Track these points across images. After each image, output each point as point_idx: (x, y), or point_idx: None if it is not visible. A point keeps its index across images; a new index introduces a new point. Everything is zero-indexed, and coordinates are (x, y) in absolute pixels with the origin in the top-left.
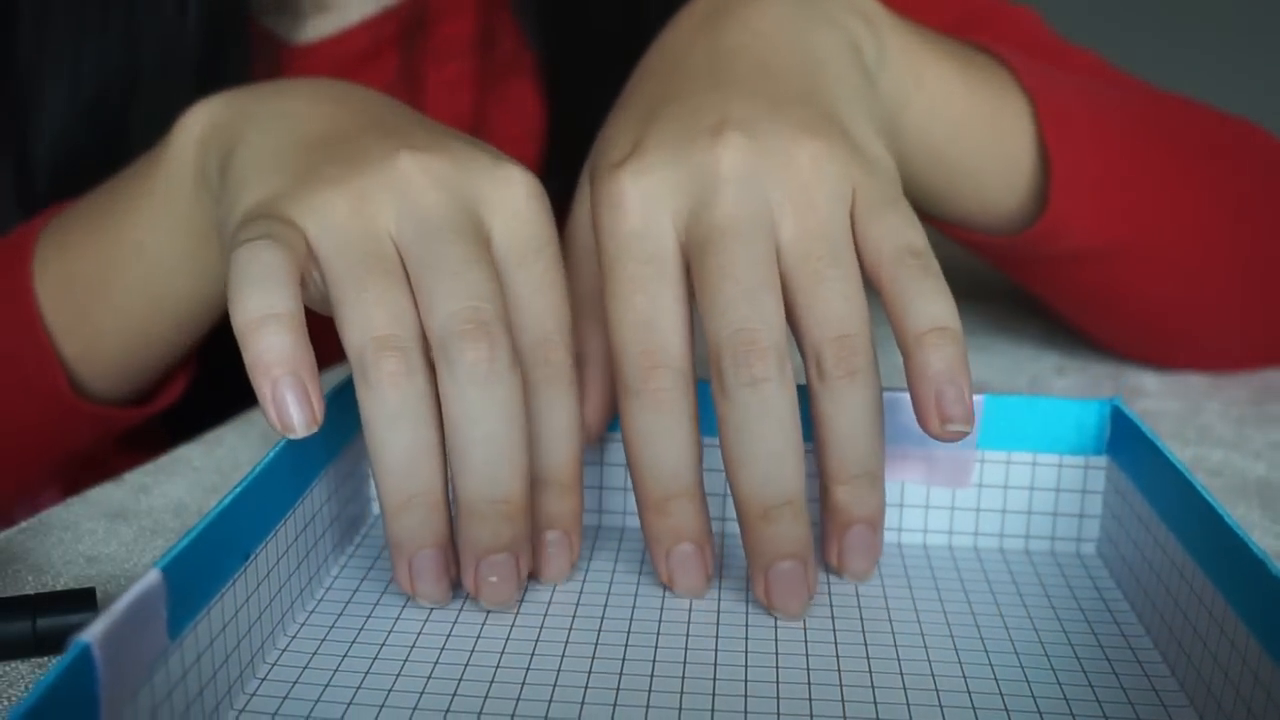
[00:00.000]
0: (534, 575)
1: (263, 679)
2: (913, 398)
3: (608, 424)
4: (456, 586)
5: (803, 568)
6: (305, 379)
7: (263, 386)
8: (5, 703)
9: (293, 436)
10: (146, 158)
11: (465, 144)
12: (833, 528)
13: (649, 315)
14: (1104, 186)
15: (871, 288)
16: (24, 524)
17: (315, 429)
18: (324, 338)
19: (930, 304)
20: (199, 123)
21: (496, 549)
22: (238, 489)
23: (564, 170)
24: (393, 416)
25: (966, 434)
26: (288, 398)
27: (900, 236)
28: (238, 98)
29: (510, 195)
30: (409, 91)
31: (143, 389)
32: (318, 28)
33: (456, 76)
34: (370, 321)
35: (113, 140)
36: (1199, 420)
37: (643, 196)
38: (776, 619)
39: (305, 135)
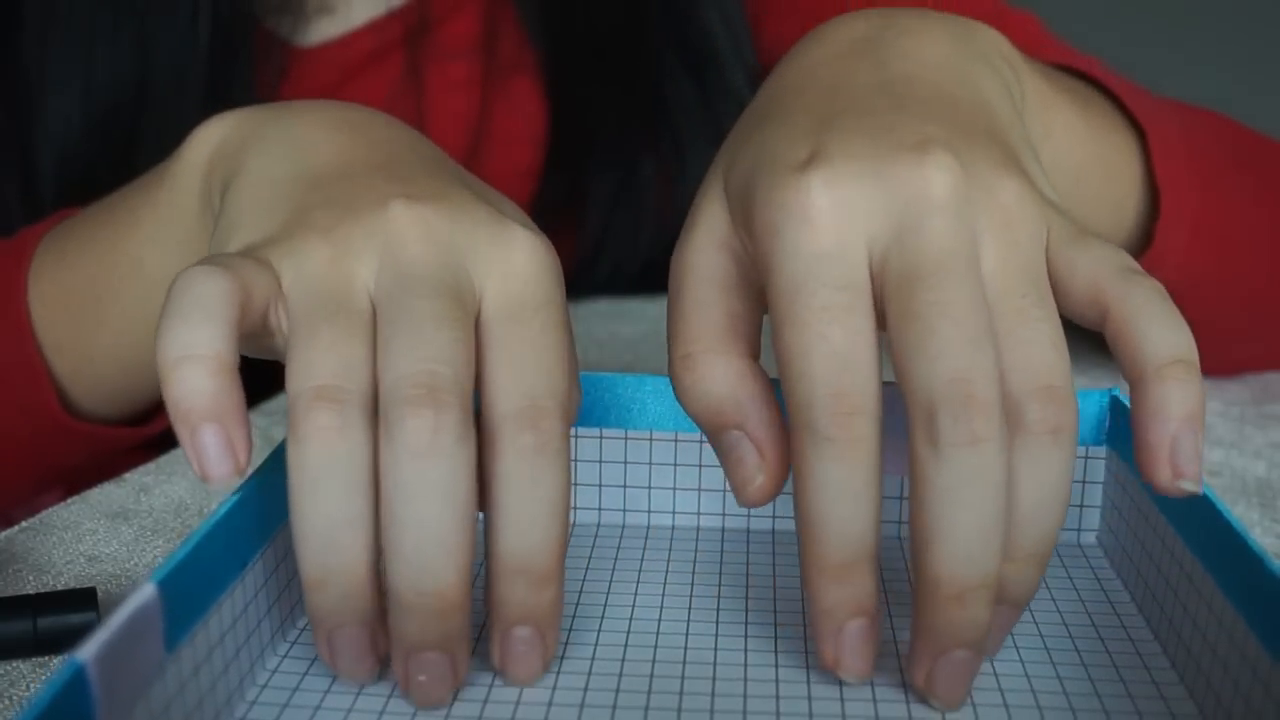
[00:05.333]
0: (500, 673)
1: (263, 686)
2: (1140, 437)
3: (779, 489)
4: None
5: (977, 657)
6: (229, 425)
7: (181, 433)
8: (6, 702)
9: (213, 488)
10: (154, 172)
11: (471, 197)
12: None
13: (845, 351)
14: (1199, 220)
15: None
16: (25, 524)
17: (239, 479)
18: None
19: (1172, 332)
20: (209, 141)
21: (425, 646)
22: (234, 497)
23: (564, 169)
24: (315, 478)
25: (1196, 494)
26: (207, 447)
27: (1119, 258)
28: (252, 117)
29: (509, 254)
30: (413, 92)
31: (138, 410)
32: (323, 30)
33: (460, 76)
34: (312, 369)
35: (122, 148)
36: None
37: (837, 210)
38: (776, 617)
39: (307, 169)
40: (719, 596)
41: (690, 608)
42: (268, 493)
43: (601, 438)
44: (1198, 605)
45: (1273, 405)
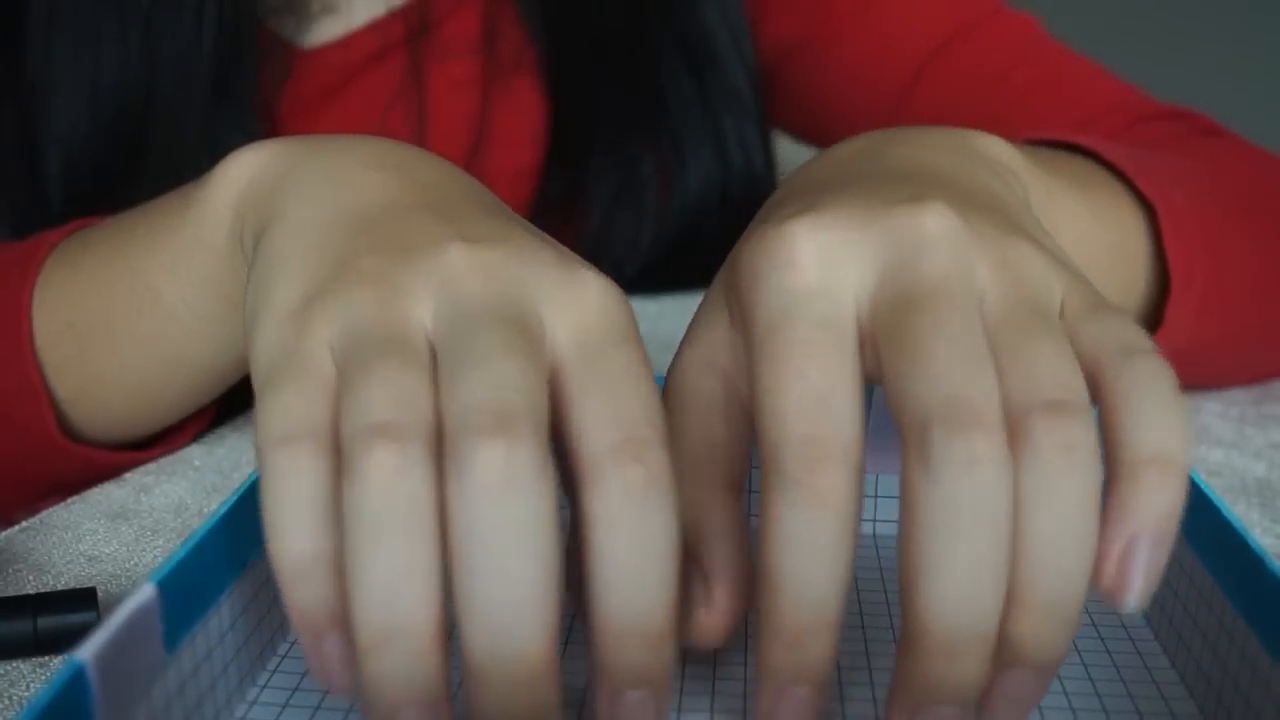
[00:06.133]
0: None
1: (263, 686)
2: (1102, 529)
3: (736, 623)
4: None
5: (964, 714)
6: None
7: (305, 639)
8: (6, 702)
9: (335, 694)
10: (178, 196)
11: (534, 238)
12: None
13: (822, 390)
14: (1207, 286)
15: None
16: (25, 524)
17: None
18: None
19: (1160, 426)
20: (240, 174)
21: None
22: (233, 497)
23: (564, 168)
24: (376, 522)
25: (1134, 612)
26: (333, 657)
27: (1126, 334)
28: (286, 152)
29: (581, 294)
30: (414, 91)
31: (141, 436)
32: (325, 30)
33: (461, 75)
34: (367, 405)
35: (129, 150)
36: (1199, 420)
37: (822, 251)
38: None
39: (350, 211)
40: None
41: None
42: None
43: None
44: (1198, 605)
45: (1273, 405)
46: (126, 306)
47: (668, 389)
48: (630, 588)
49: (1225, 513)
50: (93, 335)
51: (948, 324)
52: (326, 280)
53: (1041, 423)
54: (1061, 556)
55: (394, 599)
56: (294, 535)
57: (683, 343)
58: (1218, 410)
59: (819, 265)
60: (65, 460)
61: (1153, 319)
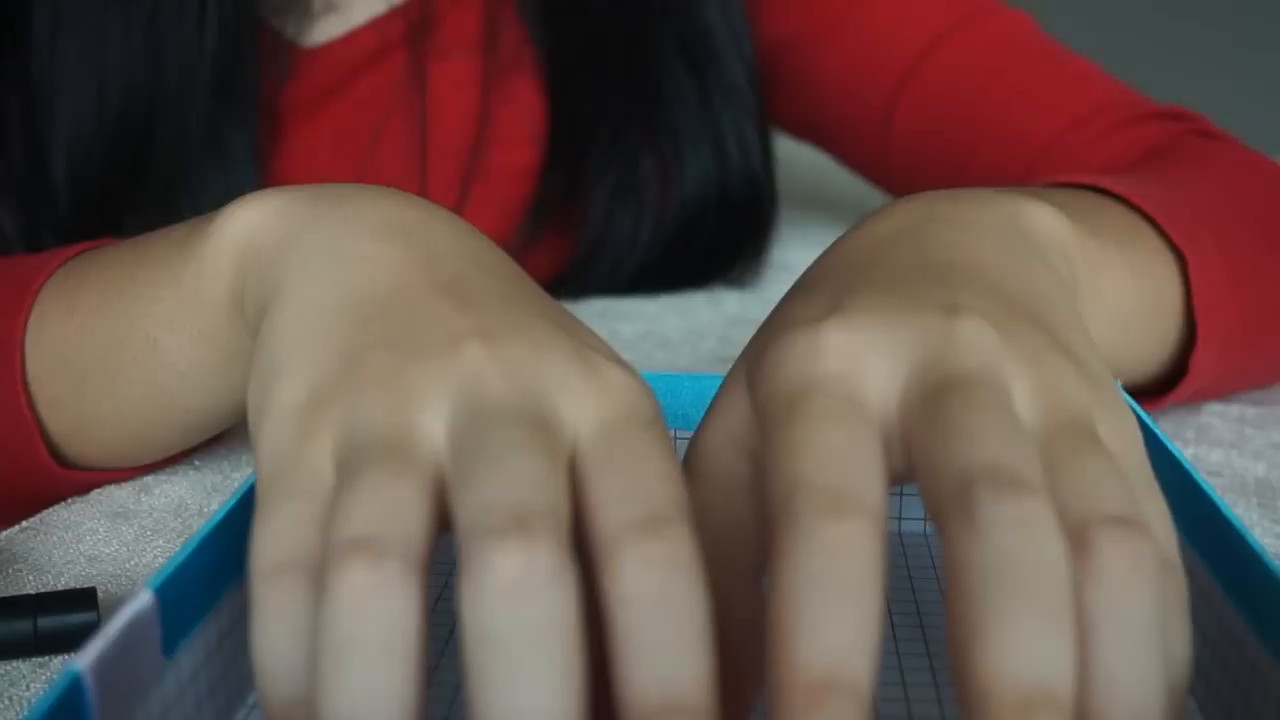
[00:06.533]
0: None
1: None
2: None
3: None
4: None
5: None
6: None
7: None
8: (6, 702)
9: None
10: (178, 240)
11: (553, 329)
12: None
13: (844, 448)
14: (1231, 332)
15: None
16: (25, 523)
17: None
18: None
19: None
20: (242, 229)
21: None
22: (233, 499)
23: (564, 166)
24: (346, 643)
25: None
26: None
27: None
28: (290, 209)
29: (602, 387)
30: (415, 90)
31: (139, 466)
32: (326, 29)
33: (462, 74)
34: (347, 520)
35: (134, 151)
36: (1199, 420)
37: (848, 344)
38: None
39: (358, 295)
40: None
41: None
42: None
43: None
44: (1196, 603)
45: (1273, 405)
46: (122, 352)
47: (688, 465)
48: (659, 663)
49: (1225, 513)
50: (87, 376)
51: (983, 404)
52: (334, 377)
53: (1106, 534)
54: (1139, 668)
55: None
56: (276, 673)
57: (704, 418)
58: (1218, 410)
59: (844, 355)
60: (61, 485)
61: (1178, 364)
